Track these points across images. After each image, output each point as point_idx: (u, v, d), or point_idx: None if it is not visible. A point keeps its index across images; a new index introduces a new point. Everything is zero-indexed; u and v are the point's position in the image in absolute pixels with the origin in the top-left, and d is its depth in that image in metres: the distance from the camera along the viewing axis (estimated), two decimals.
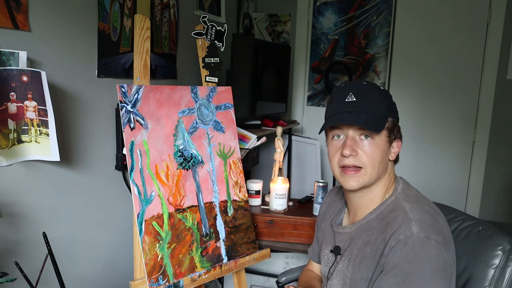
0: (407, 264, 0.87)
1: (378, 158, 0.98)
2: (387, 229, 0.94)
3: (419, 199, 1.00)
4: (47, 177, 1.33)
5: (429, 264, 0.87)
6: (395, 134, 1.01)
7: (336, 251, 1.08)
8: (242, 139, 1.75)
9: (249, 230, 1.51)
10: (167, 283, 1.23)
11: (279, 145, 1.76)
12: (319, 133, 1.04)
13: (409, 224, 0.91)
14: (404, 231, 0.90)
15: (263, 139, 1.80)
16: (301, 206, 1.83)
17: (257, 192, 1.78)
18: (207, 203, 1.39)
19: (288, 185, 1.73)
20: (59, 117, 1.31)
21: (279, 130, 1.79)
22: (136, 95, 1.25)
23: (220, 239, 1.41)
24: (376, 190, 1.03)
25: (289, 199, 1.81)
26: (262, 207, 1.77)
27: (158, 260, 1.22)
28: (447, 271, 0.89)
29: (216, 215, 1.41)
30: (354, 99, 0.98)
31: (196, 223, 1.34)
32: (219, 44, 1.54)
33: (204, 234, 1.36)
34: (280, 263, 2.11)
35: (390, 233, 0.92)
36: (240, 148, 1.58)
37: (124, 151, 1.24)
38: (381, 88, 1.03)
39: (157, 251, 1.22)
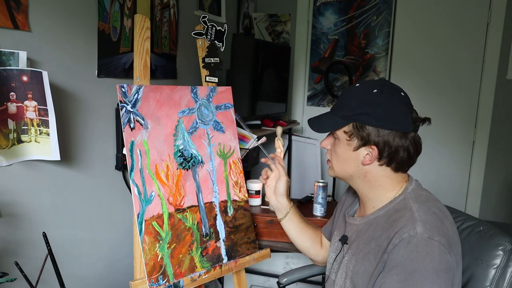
0: (409, 262, 0.88)
1: (341, 156, 1.05)
2: (392, 227, 0.95)
3: (429, 200, 1.00)
4: (47, 177, 1.33)
5: (431, 264, 0.87)
6: (362, 139, 0.99)
7: (343, 240, 1.10)
8: (242, 139, 1.75)
9: (249, 230, 1.51)
10: (167, 283, 1.22)
11: (279, 145, 1.76)
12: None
13: (414, 223, 0.91)
14: (408, 230, 0.91)
15: (263, 139, 1.80)
16: (301, 206, 1.83)
17: (257, 192, 1.78)
18: (207, 203, 1.39)
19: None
20: (59, 117, 1.31)
21: (279, 130, 1.79)
22: (136, 95, 1.25)
23: (220, 239, 1.40)
24: (363, 189, 1.06)
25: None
26: (262, 207, 1.77)
27: (158, 260, 1.22)
28: (449, 273, 0.89)
29: (216, 215, 1.41)
30: (336, 100, 1.08)
31: (196, 223, 1.34)
32: (219, 44, 1.54)
33: (204, 234, 1.36)
34: (280, 263, 2.11)
35: (394, 231, 0.93)
36: (240, 148, 1.58)
37: (124, 151, 1.23)
38: (374, 91, 0.98)
39: (157, 251, 1.22)
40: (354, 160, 1.02)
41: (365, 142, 0.99)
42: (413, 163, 1.02)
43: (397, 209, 0.99)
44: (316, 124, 1.08)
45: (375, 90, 0.98)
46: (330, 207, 1.73)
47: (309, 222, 1.41)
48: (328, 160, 1.11)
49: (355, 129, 0.99)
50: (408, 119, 0.98)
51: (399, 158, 0.99)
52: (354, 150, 1.01)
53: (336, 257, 1.13)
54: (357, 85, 1.03)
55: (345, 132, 1.01)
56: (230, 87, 1.56)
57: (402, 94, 1.00)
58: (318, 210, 1.70)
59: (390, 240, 0.92)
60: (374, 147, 0.98)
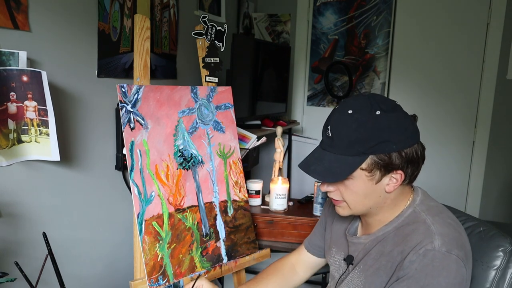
0: (423, 276, 0.85)
1: (360, 194, 0.94)
2: (406, 241, 0.91)
3: (441, 211, 0.96)
4: (47, 177, 1.33)
5: (446, 279, 0.84)
6: (385, 169, 0.90)
7: (348, 260, 1.05)
8: (242, 139, 1.75)
9: (249, 230, 1.50)
10: (167, 283, 1.22)
11: (279, 145, 1.76)
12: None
13: (431, 237, 0.87)
14: (425, 245, 0.87)
15: (263, 139, 1.80)
16: (301, 206, 1.83)
17: (257, 192, 1.78)
18: (207, 203, 1.39)
19: (288, 185, 1.73)
20: (59, 117, 1.31)
21: (279, 130, 1.78)
22: (136, 95, 1.25)
23: (220, 239, 1.40)
24: (380, 214, 0.99)
25: (289, 199, 1.81)
26: (262, 207, 1.77)
27: (158, 260, 1.22)
28: (462, 287, 0.87)
29: (216, 215, 1.41)
30: (330, 135, 0.91)
31: (196, 223, 1.34)
32: (219, 44, 1.54)
33: (204, 234, 1.36)
34: None
35: (410, 246, 0.89)
36: (240, 148, 1.58)
37: (124, 151, 1.23)
38: (377, 113, 0.87)
39: (157, 251, 1.22)
40: (376, 192, 0.94)
41: (389, 170, 0.90)
42: None
43: (408, 223, 0.95)
44: (321, 172, 0.92)
45: (378, 112, 0.87)
46: None
47: (264, 272, 1.26)
48: (336, 200, 0.99)
49: (375, 161, 0.89)
50: (415, 125, 0.93)
51: (419, 170, 0.95)
52: (377, 183, 0.92)
53: (340, 276, 1.08)
54: (349, 112, 0.89)
55: (362, 169, 0.90)
56: (230, 87, 1.56)
57: (395, 101, 0.93)
58: (318, 210, 1.70)
59: (406, 256, 0.89)
60: (399, 171, 0.91)
